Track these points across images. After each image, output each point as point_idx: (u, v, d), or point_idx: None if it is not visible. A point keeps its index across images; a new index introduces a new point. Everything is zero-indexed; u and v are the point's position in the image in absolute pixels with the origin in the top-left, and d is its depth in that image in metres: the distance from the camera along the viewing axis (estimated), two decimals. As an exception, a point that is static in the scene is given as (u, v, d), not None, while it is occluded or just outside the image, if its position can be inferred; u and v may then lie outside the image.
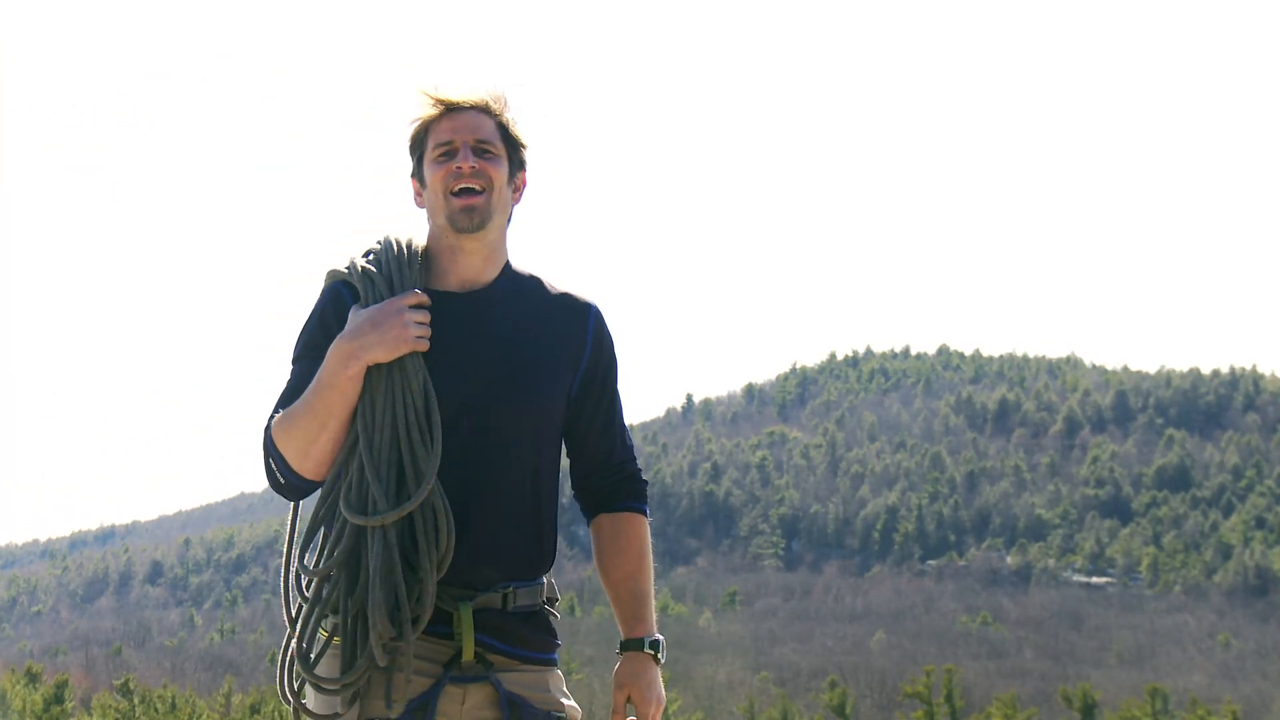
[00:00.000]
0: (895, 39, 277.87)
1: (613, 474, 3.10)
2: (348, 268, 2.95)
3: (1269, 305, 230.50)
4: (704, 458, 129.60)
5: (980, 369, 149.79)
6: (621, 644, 3.03)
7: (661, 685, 3.01)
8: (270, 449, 2.86)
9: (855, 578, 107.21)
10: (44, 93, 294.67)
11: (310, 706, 2.87)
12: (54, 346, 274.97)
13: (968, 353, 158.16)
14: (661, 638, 3.03)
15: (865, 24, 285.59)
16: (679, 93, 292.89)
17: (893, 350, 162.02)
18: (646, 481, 3.14)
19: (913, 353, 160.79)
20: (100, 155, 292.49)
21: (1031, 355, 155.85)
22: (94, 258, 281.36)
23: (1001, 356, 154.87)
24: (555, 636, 2.98)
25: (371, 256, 2.97)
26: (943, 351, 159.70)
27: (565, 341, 2.98)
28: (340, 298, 2.93)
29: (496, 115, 2.95)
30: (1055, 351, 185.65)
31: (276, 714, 44.24)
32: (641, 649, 3.00)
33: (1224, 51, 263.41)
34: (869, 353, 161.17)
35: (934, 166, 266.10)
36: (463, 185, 2.89)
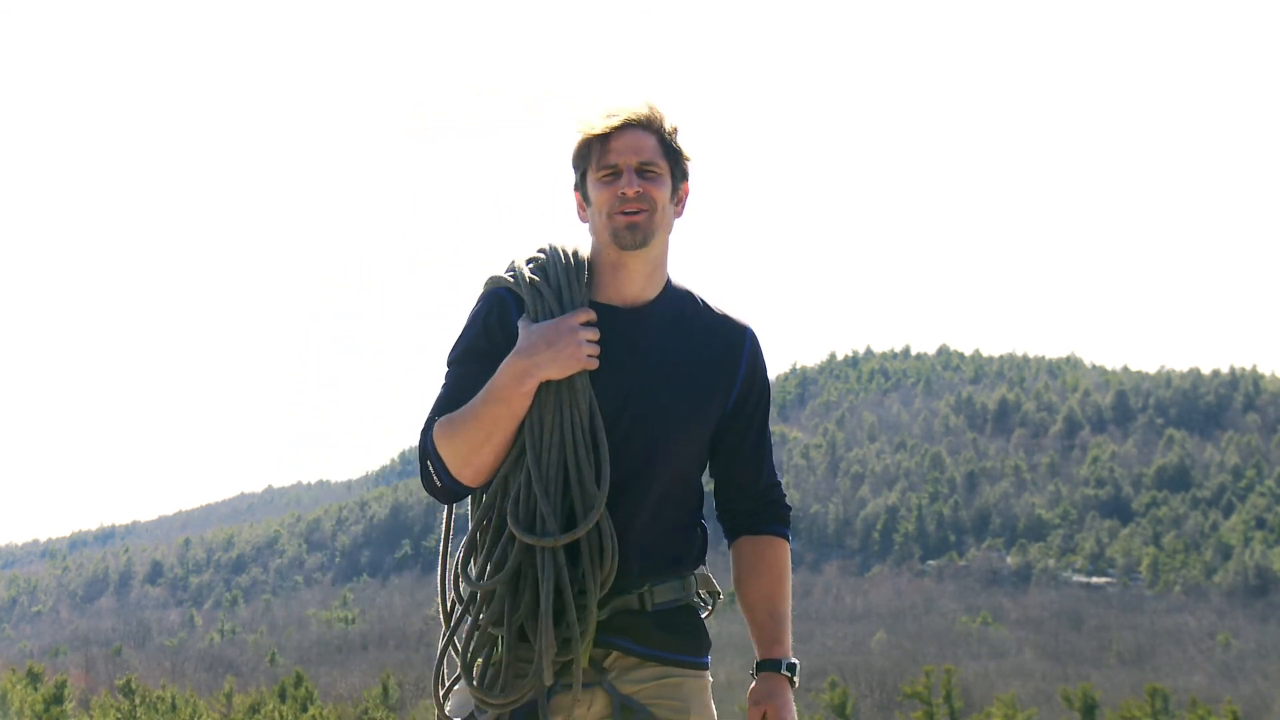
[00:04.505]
0: (895, 40, 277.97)
1: (758, 498, 3.12)
2: (512, 275, 2.97)
3: (1269, 305, 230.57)
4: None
5: (980, 369, 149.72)
6: (757, 664, 3.08)
7: (794, 708, 3.05)
8: (430, 452, 2.90)
9: (855, 578, 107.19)
10: (41, 88, 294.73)
11: (449, 712, 2.94)
12: (54, 347, 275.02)
13: (968, 353, 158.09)
14: (797, 661, 3.09)
15: (866, 25, 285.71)
16: (679, 93, 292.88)
17: (893, 350, 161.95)
18: (790, 508, 3.16)
19: (913, 353, 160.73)
20: (105, 156, 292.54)
21: (1031, 355, 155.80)
22: (94, 257, 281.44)
23: (1001, 356, 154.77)
24: (704, 639, 3.02)
25: (534, 265, 2.99)
26: (943, 351, 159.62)
27: (720, 363, 3.01)
28: (505, 305, 2.96)
29: (658, 129, 2.98)
30: (1055, 351, 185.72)
31: (276, 714, 44.22)
32: (778, 670, 3.06)
33: (1224, 51, 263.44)
34: (869, 353, 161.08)
35: (934, 166, 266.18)
36: (627, 209, 2.92)
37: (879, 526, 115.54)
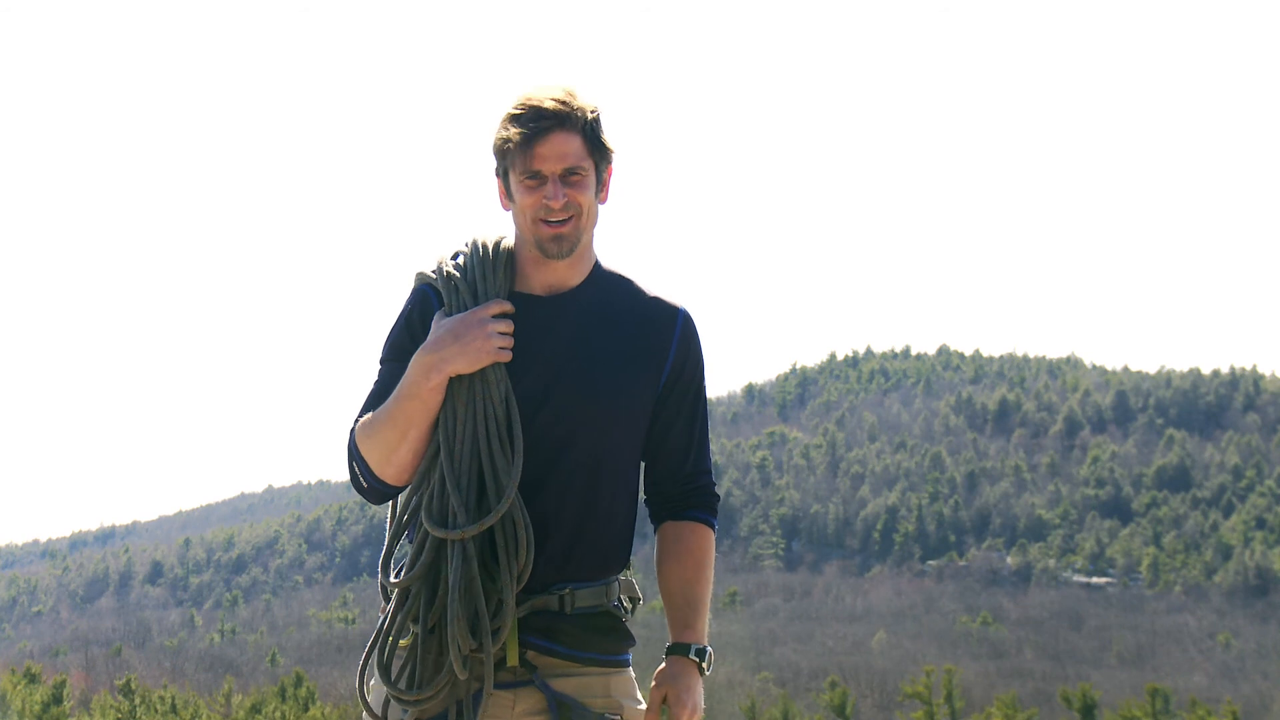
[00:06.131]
0: (895, 39, 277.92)
1: (684, 484, 3.07)
2: (434, 271, 2.96)
3: (1269, 305, 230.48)
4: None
5: (980, 369, 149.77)
6: (668, 648, 3.01)
7: (700, 694, 2.97)
8: (354, 453, 2.89)
9: (855, 578, 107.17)
10: (41, 88, 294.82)
11: (378, 711, 2.90)
12: (54, 347, 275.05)
13: (968, 353, 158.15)
14: (710, 648, 3.01)
15: (865, 24, 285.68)
16: (678, 93, 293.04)
17: (893, 350, 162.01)
18: (718, 497, 3.10)
19: (913, 353, 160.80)
20: (105, 156, 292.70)
21: (1031, 355, 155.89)
22: (94, 257, 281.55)
23: (1001, 356, 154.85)
24: (625, 638, 2.96)
25: (459, 259, 2.97)
26: (943, 351, 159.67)
27: (648, 348, 2.96)
28: (427, 301, 2.95)
29: (582, 125, 2.89)
30: (1055, 351, 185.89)
31: (277, 714, 44.24)
32: (686, 654, 2.97)
33: (1224, 51, 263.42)
34: (869, 353, 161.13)
35: (934, 166, 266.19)
36: (552, 219, 2.87)
37: (879, 526, 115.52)
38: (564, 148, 2.85)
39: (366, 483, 2.89)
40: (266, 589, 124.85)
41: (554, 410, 2.86)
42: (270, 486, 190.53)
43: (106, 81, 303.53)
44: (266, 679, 63.84)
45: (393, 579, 2.85)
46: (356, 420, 2.90)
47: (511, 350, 2.86)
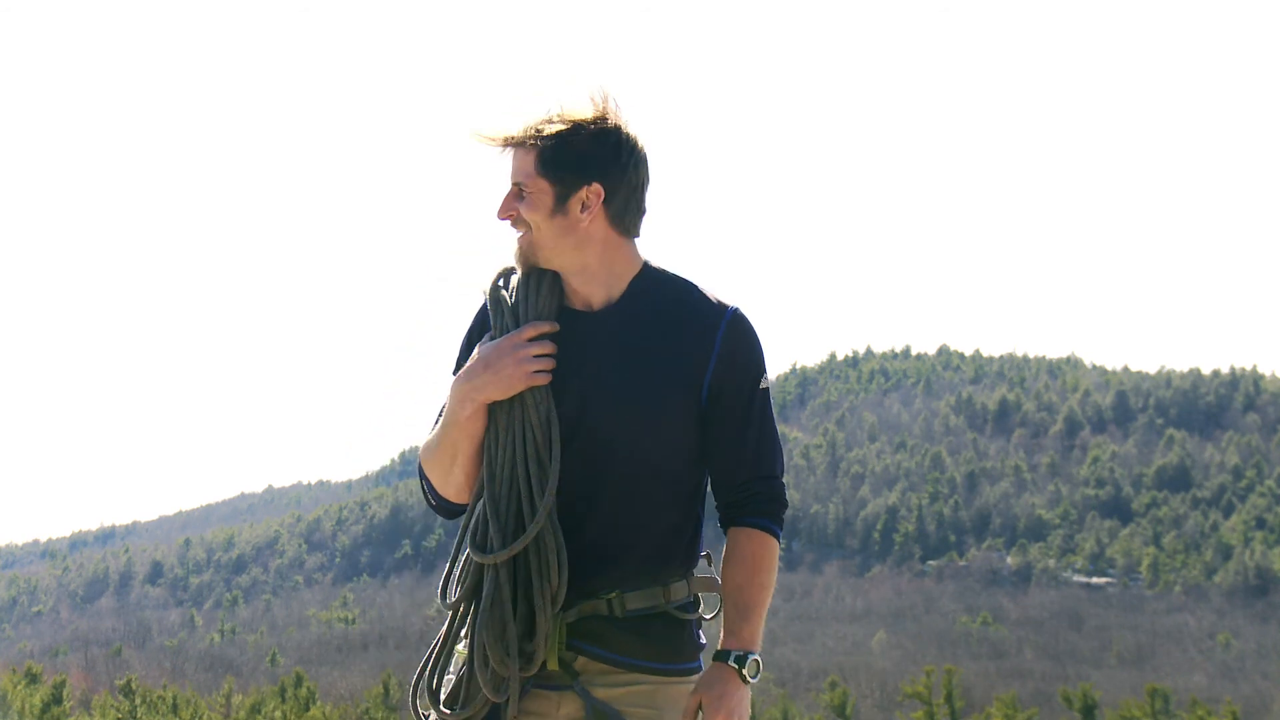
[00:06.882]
0: (896, 40, 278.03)
1: (739, 490, 2.99)
2: (490, 289, 3.01)
3: (1269, 305, 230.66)
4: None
5: (980, 369, 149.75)
6: (713, 654, 2.99)
7: (740, 701, 2.88)
8: (421, 472, 3.00)
9: (855, 578, 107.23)
10: (41, 88, 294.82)
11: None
12: (54, 347, 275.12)
13: (968, 353, 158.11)
14: (756, 656, 2.92)
15: (865, 24, 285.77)
16: (676, 94, 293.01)
17: (893, 350, 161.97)
18: (784, 503, 3.02)
19: (913, 353, 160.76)
20: (105, 156, 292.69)
21: (1031, 355, 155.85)
22: (94, 257, 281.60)
23: (1001, 356, 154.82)
24: (685, 645, 2.95)
25: (510, 275, 3.02)
26: (943, 351, 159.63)
27: (691, 353, 2.91)
28: (486, 318, 3.01)
29: (536, 142, 2.87)
30: (1055, 351, 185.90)
31: (277, 714, 44.26)
32: (726, 660, 2.91)
33: (1224, 51, 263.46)
34: (869, 353, 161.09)
35: (934, 167, 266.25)
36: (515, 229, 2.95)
37: (879, 526, 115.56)
38: (515, 164, 2.91)
39: (434, 500, 3.00)
40: (266, 589, 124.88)
41: (592, 426, 2.88)
42: (270, 486, 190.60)
43: (106, 81, 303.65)
44: (266, 679, 63.88)
45: (446, 600, 2.93)
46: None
47: (552, 371, 2.89)
